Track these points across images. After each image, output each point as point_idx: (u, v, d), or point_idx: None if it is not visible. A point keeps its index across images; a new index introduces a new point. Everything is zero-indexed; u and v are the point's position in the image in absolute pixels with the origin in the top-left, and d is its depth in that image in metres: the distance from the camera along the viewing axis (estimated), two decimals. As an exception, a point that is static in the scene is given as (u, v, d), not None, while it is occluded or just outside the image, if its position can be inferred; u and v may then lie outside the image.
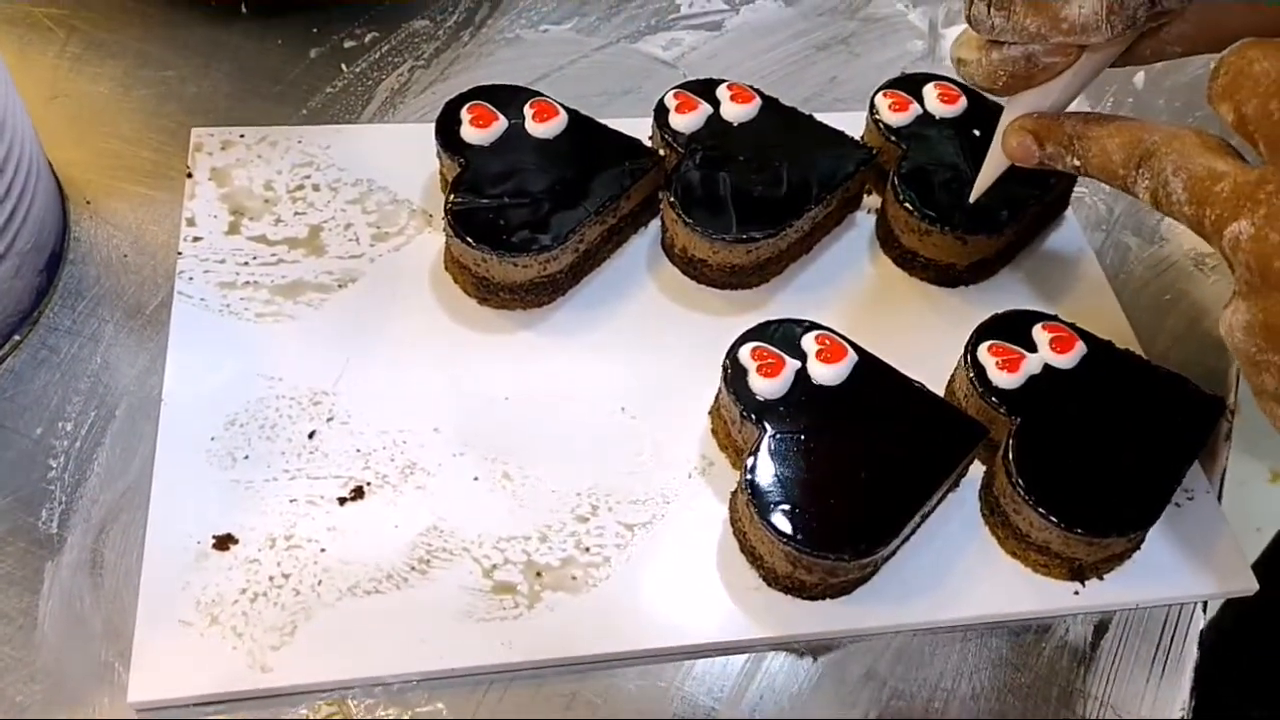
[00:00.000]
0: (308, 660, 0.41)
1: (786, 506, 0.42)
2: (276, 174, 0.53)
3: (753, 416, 0.45)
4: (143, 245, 0.51)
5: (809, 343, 0.46)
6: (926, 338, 0.51)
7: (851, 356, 0.46)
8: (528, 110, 0.52)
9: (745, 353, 0.46)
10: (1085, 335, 0.48)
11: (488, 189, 0.50)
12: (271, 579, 0.42)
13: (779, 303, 0.52)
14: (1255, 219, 0.36)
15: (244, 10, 0.59)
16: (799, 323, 0.47)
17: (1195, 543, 0.47)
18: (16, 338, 0.47)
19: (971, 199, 0.49)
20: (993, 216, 0.51)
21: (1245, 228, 0.36)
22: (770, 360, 0.46)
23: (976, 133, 0.54)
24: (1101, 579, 0.45)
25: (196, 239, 0.51)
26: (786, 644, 0.44)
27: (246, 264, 0.50)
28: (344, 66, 0.59)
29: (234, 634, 0.41)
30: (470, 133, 0.51)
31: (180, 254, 0.50)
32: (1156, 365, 0.48)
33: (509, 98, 0.53)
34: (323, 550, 0.43)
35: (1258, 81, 0.36)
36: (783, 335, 0.47)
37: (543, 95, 0.53)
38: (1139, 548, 0.46)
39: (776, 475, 0.43)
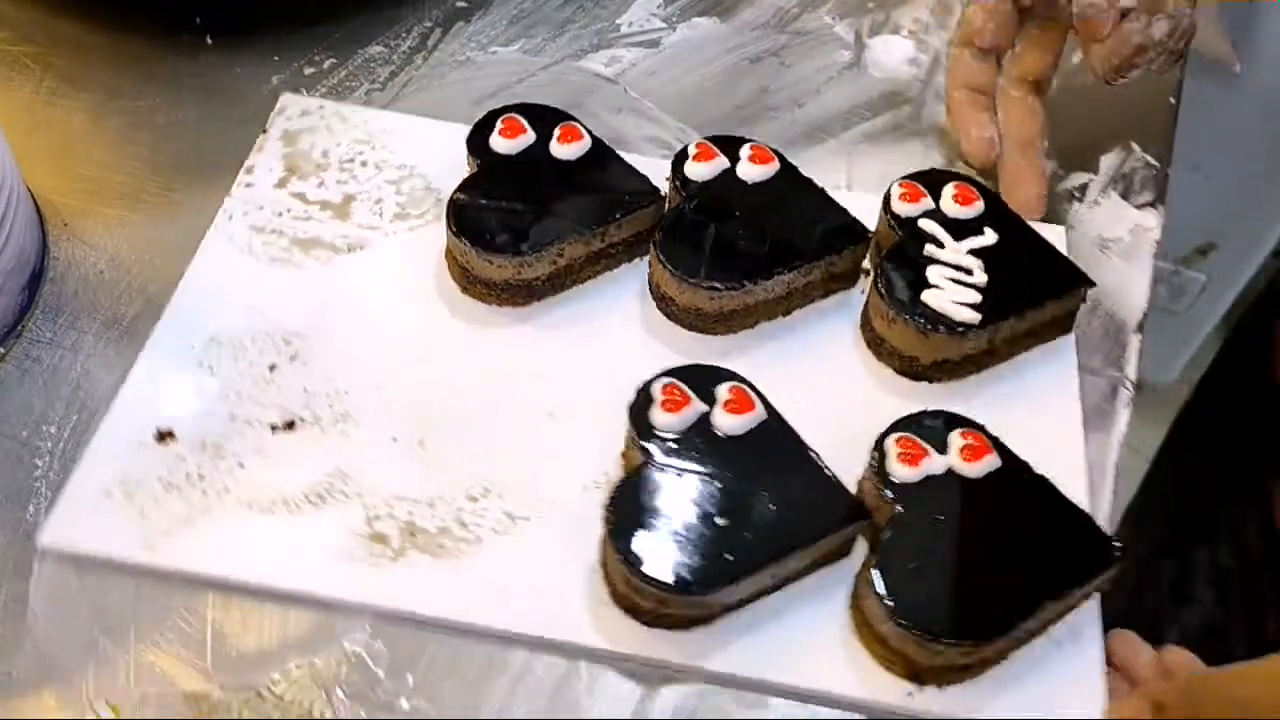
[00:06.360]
0: (188, 551, 0.46)
1: (637, 530, 0.44)
2: (336, 145, 0.60)
3: (641, 445, 0.47)
4: (118, 262, 0.56)
5: (722, 391, 0.48)
6: (867, 422, 0.51)
7: (759, 413, 0.48)
8: (556, 131, 0.57)
9: (658, 385, 0.48)
10: (1004, 452, 0.48)
11: (492, 190, 0.54)
12: (188, 476, 0.48)
13: (740, 355, 0.53)
14: None
15: (209, 41, 0.65)
16: (720, 371, 0.49)
17: (1057, 687, 0.45)
18: (1, 350, 0.53)
19: None
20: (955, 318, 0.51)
21: None
22: (676, 397, 0.48)
23: (985, 237, 0.54)
24: (941, 689, 0.45)
25: (249, 185, 0.58)
26: (615, 661, 0.45)
27: (280, 215, 0.57)
28: (304, 91, 0.64)
29: (140, 515, 0.47)
30: (497, 140, 0.56)
31: (230, 195, 0.57)
32: (1068, 499, 0.47)
33: (546, 117, 0.57)
34: (241, 465, 0.49)
35: None
36: (700, 378, 0.49)
37: (574, 120, 0.57)
38: (985, 668, 0.45)
39: (640, 500, 0.45)
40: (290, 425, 0.50)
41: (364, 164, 0.59)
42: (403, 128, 0.61)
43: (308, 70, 0.65)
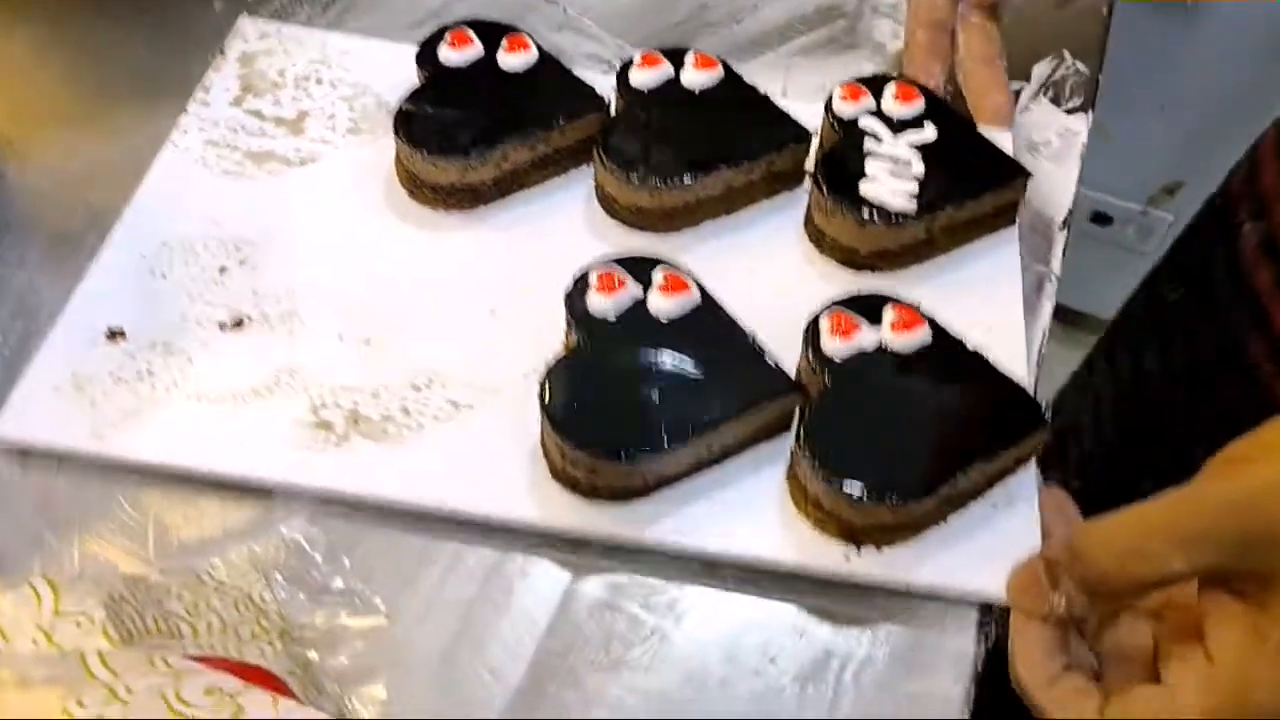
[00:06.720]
0: (136, 441, 0.47)
1: (571, 402, 0.45)
2: (291, 65, 0.61)
3: (578, 327, 0.48)
4: (63, 180, 0.57)
5: (657, 275, 0.49)
6: (807, 311, 0.52)
7: (694, 296, 0.49)
8: (504, 42, 0.58)
9: (594, 271, 0.49)
10: (936, 328, 0.48)
11: (439, 98, 0.55)
12: (138, 373, 0.49)
13: (683, 252, 0.54)
14: None
15: None
16: (655, 260, 0.50)
17: (992, 549, 0.46)
18: (-52, 263, 0.53)
19: None
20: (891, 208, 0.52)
21: None
22: (612, 281, 0.49)
23: (925, 132, 0.55)
24: (879, 550, 0.45)
25: (205, 103, 0.59)
26: (547, 549, 0.46)
27: (235, 131, 0.58)
28: (248, 16, 0.64)
29: (90, 406, 0.48)
30: (446, 52, 0.57)
31: (186, 112, 0.58)
32: (998, 370, 0.48)
33: (494, 32, 0.58)
34: (189, 361, 0.50)
35: None
36: (636, 265, 0.50)
37: (520, 31, 0.58)
38: (920, 530, 0.45)
39: (576, 375, 0.46)
40: (239, 324, 0.51)
41: (319, 82, 0.61)
42: (358, 48, 0.62)
43: None
